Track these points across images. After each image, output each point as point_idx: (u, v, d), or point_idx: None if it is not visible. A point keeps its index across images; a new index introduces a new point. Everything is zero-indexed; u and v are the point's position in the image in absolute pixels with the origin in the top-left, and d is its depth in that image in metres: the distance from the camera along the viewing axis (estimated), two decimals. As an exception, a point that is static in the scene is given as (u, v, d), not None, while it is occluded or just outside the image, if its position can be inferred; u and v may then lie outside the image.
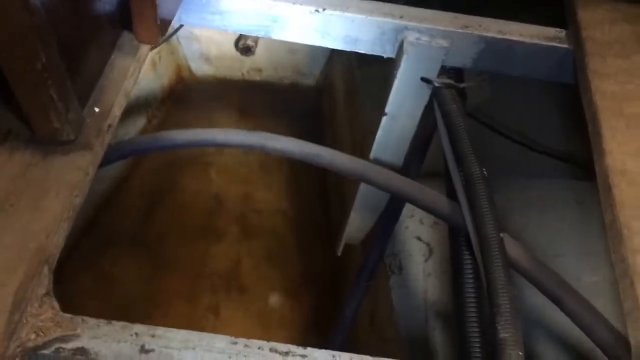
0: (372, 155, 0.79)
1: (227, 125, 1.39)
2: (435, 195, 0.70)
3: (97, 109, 0.52)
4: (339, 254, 0.96)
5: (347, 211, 0.94)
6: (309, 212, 1.25)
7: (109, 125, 0.53)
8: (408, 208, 0.88)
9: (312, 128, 1.37)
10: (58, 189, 0.47)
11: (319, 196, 1.27)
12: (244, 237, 1.20)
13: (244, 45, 1.28)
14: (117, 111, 0.54)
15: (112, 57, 0.56)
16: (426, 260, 0.86)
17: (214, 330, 1.10)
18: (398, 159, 0.80)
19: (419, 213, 0.90)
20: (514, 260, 0.62)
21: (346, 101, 1.25)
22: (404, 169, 0.80)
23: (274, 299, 1.13)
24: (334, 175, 1.19)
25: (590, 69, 0.63)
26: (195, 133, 0.77)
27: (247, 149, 0.81)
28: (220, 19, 0.70)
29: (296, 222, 1.24)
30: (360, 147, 1.04)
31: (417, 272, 0.85)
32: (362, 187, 0.86)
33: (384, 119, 0.75)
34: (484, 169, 0.66)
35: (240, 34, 1.29)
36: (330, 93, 1.37)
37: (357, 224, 0.93)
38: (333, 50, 1.33)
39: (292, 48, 1.35)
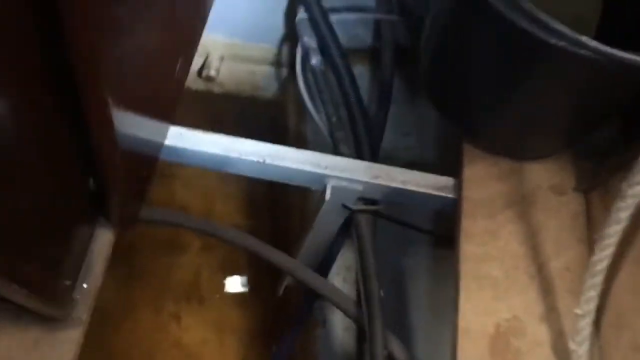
0: (299, 257, 1.00)
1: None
2: (343, 297, 0.93)
3: (85, 285, 0.71)
4: (279, 295, 1.19)
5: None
6: (262, 226, 1.45)
7: (94, 295, 0.72)
8: (335, 266, 1.10)
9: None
10: (61, 362, 0.67)
11: (269, 211, 1.48)
12: (203, 250, 1.42)
13: (207, 76, 1.42)
14: (100, 280, 0.73)
15: (94, 232, 0.74)
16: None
17: (176, 334, 1.34)
18: (317, 259, 1.01)
19: (343, 272, 1.13)
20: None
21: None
22: (320, 267, 1.01)
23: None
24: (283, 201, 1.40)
25: (462, 229, 0.83)
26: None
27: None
28: (186, 159, 0.87)
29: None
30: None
31: (337, 325, 1.09)
32: (304, 249, 1.07)
33: (310, 232, 0.95)
34: (381, 291, 0.88)
35: (203, 64, 1.44)
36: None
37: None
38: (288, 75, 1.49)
39: (252, 70, 1.50)
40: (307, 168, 0.86)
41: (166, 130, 0.83)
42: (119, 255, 1.38)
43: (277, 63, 1.45)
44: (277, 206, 1.48)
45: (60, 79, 0.50)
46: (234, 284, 1.39)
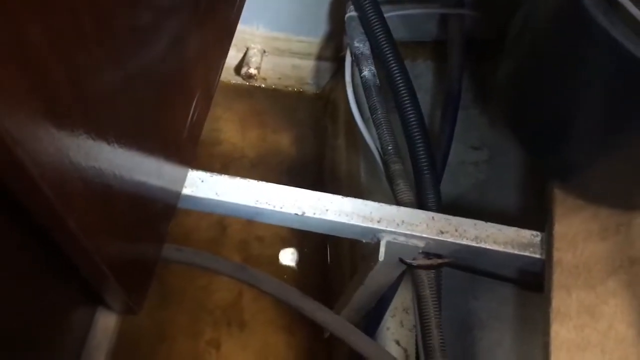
0: (348, 306, 0.85)
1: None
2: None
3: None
4: (326, 337, 1.04)
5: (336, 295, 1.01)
6: (307, 241, 1.31)
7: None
8: (391, 307, 0.95)
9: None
10: None
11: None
12: (245, 267, 1.28)
13: (247, 74, 1.26)
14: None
15: (95, 317, 0.61)
16: (402, 366, 0.94)
17: (216, 363, 1.22)
18: (369, 306, 0.85)
19: (400, 314, 0.97)
20: None
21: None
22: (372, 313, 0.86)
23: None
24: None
25: (553, 307, 0.66)
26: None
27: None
28: (209, 209, 0.72)
29: (295, 251, 1.31)
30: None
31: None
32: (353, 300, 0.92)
33: (361, 286, 0.79)
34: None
35: (243, 61, 1.27)
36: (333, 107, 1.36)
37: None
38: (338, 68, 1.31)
39: (296, 64, 1.32)
40: (356, 222, 0.70)
41: (182, 179, 0.68)
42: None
43: (323, 57, 1.27)
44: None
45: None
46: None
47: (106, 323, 0.60)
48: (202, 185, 0.69)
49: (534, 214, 0.79)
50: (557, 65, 0.61)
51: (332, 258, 1.25)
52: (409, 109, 0.81)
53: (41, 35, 0.31)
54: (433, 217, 0.71)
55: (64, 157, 0.35)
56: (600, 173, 0.69)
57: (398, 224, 0.70)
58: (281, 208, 0.69)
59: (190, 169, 0.69)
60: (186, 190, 0.69)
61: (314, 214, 0.69)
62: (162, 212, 0.61)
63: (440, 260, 0.76)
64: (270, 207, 0.69)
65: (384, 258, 0.70)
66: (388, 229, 0.70)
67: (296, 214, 0.69)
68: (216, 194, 0.69)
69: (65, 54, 0.34)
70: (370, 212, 0.70)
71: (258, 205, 0.69)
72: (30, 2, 0.29)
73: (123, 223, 0.49)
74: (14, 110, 0.29)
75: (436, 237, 0.70)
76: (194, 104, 0.63)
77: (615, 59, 0.51)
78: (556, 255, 0.68)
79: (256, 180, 0.71)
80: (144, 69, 0.49)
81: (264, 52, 1.26)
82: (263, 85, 1.39)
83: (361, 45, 0.89)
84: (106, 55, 0.41)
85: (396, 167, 0.80)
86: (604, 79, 0.56)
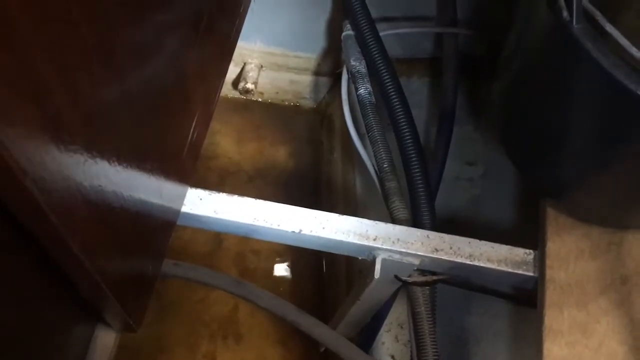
0: (343, 321, 0.86)
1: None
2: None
3: (82, 404, 0.59)
4: (321, 351, 1.05)
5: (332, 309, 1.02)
6: (303, 255, 1.31)
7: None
8: (386, 322, 0.95)
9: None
10: None
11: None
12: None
13: (244, 89, 1.27)
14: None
15: (95, 334, 0.61)
16: (397, 381, 0.95)
17: (212, 376, 1.23)
18: (364, 321, 0.87)
19: (395, 329, 0.97)
20: None
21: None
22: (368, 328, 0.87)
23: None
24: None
25: (545, 325, 0.67)
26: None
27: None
28: (207, 226, 0.73)
29: (291, 265, 1.32)
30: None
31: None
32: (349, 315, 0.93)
33: (357, 302, 0.80)
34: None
35: (240, 75, 1.28)
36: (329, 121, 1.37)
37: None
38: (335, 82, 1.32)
39: (293, 79, 1.34)
40: (352, 239, 0.71)
41: (181, 197, 0.69)
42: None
43: (320, 73, 1.29)
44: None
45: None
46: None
47: (105, 340, 0.61)
48: (201, 203, 0.70)
49: (529, 230, 0.80)
50: (547, 88, 0.63)
51: (328, 272, 1.26)
52: (404, 126, 0.82)
53: (49, 66, 0.32)
54: (428, 235, 0.72)
55: (70, 183, 0.36)
56: (592, 192, 0.70)
57: (394, 242, 0.71)
58: (278, 226, 0.71)
59: (189, 187, 0.70)
60: (185, 208, 0.70)
61: (311, 231, 0.70)
62: (161, 230, 0.62)
63: (435, 277, 0.77)
64: (267, 225, 0.71)
65: (380, 275, 0.71)
66: (384, 246, 0.71)
67: (293, 232, 0.71)
68: (215, 211, 0.70)
69: (71, 82, 0.35)
70: (367, 230, 0.71)
71: (256, 223, 0.70)
72: (40, 36, 0.30)
73: (124, 243, 0.50)
74: (24, 142, 0.30)
75: (431, 255, 0.71)
76: (194, 123, 0.64)
77: (604, 87, 0.52)
78: (549, 273, 0.69)
79: (254, 198, 0.72)
80: (146, 90, 0.51)
81: (261, 67, 1.27)
82: (260, 100, 1.40)
83: (357, 63, 0.90)
84: (110, 79, 0.42)
85: (391, 184, 0.81)
86: (593, 103, 0.57)
